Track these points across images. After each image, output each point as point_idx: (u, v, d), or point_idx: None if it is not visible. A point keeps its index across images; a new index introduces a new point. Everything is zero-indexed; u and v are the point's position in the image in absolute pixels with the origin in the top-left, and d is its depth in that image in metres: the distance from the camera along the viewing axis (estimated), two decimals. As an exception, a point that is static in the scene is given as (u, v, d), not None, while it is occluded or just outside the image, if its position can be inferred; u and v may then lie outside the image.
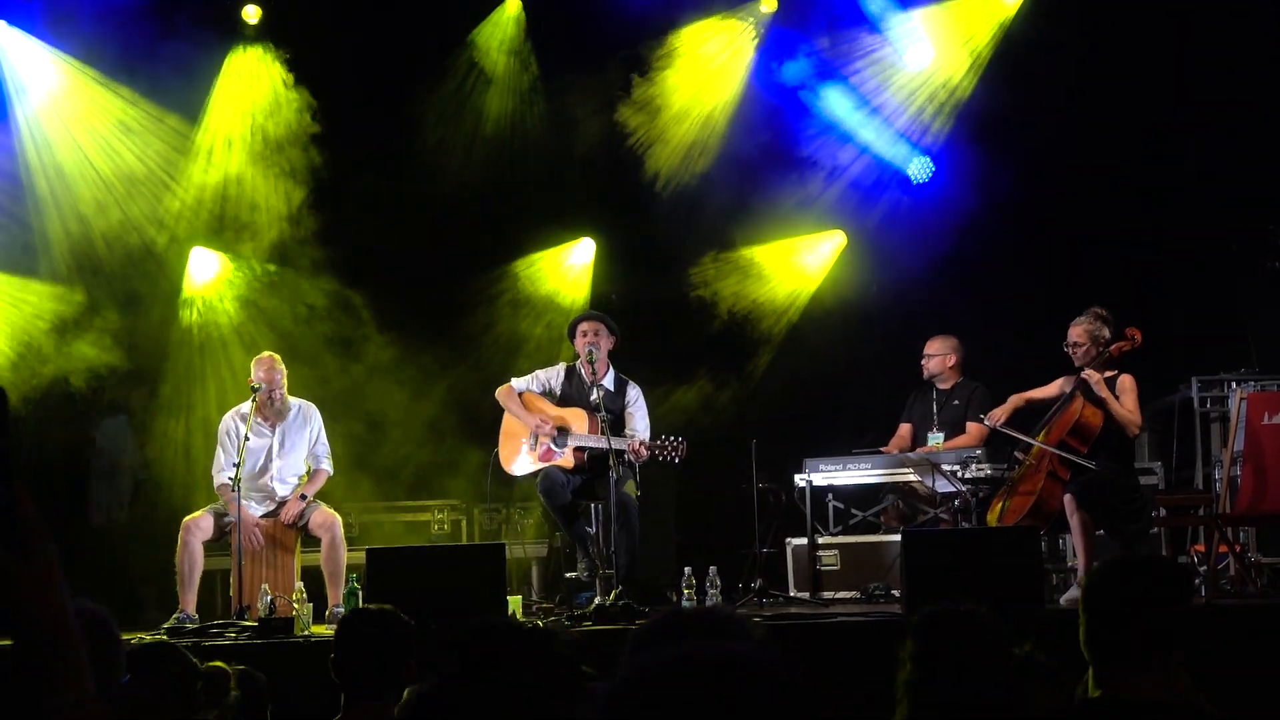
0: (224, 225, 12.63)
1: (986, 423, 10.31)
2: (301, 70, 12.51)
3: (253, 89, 12.55)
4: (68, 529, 11.71)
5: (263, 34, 12.50)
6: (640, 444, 10.01)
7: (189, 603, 9.75)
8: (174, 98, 12.34)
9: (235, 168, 12.54)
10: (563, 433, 10.31)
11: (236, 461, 9.89)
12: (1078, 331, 10.06)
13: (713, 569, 9.71)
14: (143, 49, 12.00)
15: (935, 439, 11.14)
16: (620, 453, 9.85)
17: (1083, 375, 9.94)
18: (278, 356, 10.39)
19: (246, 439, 10.02)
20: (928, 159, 13.11)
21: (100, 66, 12.17)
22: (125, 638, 7.95)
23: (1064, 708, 4.01)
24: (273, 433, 10.31)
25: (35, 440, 11.82)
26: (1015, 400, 10.31)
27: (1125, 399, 9.85)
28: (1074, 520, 9.59)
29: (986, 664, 3.90)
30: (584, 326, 10.53)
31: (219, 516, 9.99)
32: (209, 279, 12.66)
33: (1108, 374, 9.97)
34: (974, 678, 3.87)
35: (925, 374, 11.41)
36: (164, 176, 12.45)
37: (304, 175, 12.57)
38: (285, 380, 10.37)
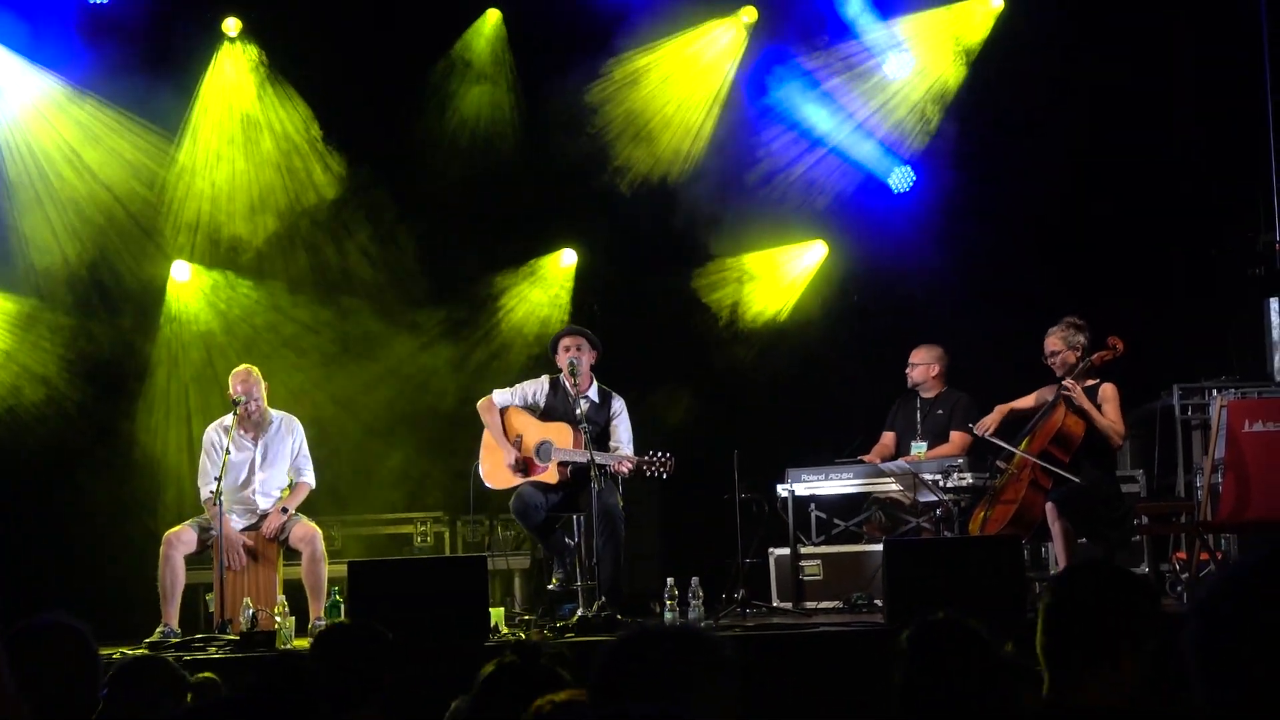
0: (203, 237, 12.61)
1: (975, 432, 10.31)
2: (283, 83, 12.52)
3: (234, 102, 12.54)
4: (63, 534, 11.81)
5: (244, 46, 12.48)
6: (625, 459, 10.02)
7: (171, 616, 9.73)
8: (154, 109, 12.33)
9: (216, 180, 12.52)
10: (545, 446, 10.31)
11: (218, 476, 9.87)
12: (1053, 341, 10.09)
13: (695, 580, 9.71)
14: (123, 60, 12.00)
15: (919, 448, 11.15)
16: (603, 466, 9.87)
17: (1063, 388, 9.95)
18: (255, 369, 10.38)
19: (228, 452, 10.00)
20: (909, 168, 13.12)
21: (77, 78, 12.16)
22: (107, 652, 7.95)
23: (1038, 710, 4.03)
24: (254, 445, 10.30)
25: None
26: (1001, 410, 10.31)
27: (1107, 408, 9.87)
28: (1055, 528, 9.62)
29: (979, 674, 3.91)
30: (565, 342, 10.53)
31: (201, 530, 9.96)
32: (191, 291, 12.63)
33: (1090, 382, 9.99)
34: (967, 687, 3.89)
35: (909, 383, 11.40)
36: (145, 189, 12.43)
37: (287, 187, 12.57)
38: (264, 392, 10.34)
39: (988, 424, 10.22)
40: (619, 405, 10.54)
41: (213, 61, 12.47)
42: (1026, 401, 10.28)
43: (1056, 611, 3.73)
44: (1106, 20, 12.41)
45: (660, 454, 10.07)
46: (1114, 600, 3.70)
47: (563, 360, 10.46)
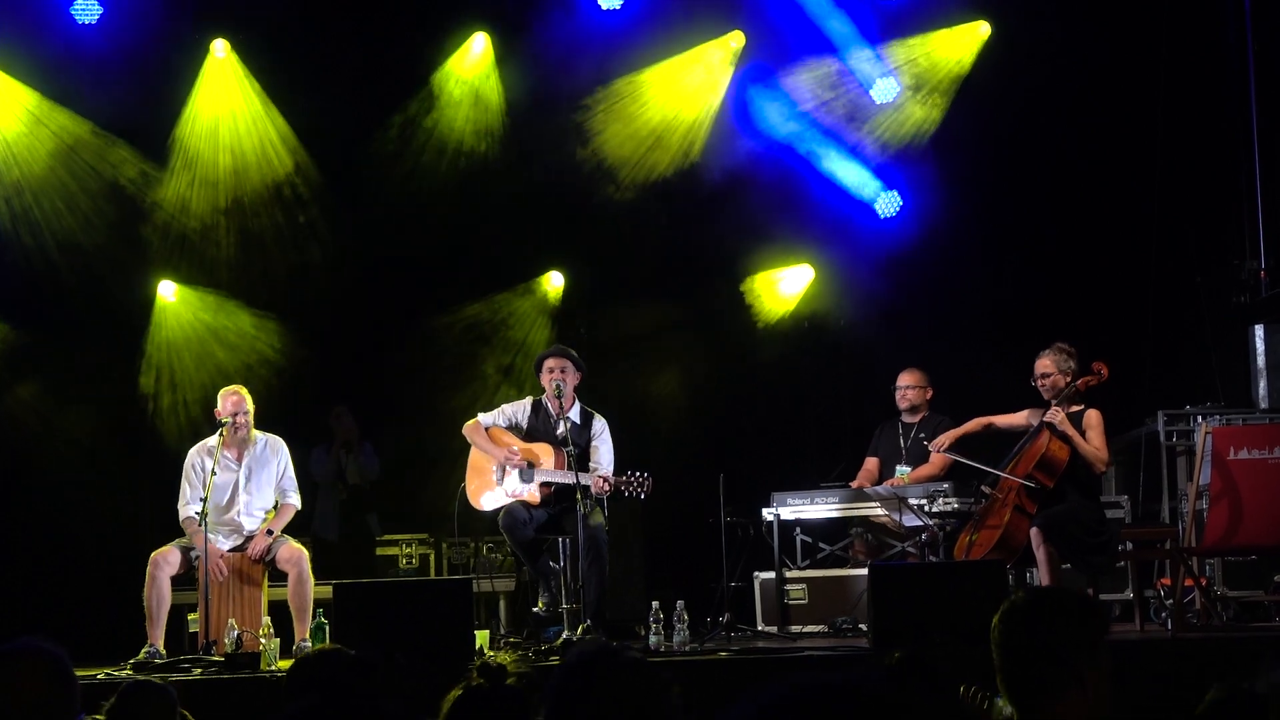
0: (189, 257, 12.62)
1: (930, 448, 10.36)
2: (269, 105, 12.54)
3: (221, 122, 12.55)
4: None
5: (232, 67, 12.49)
6: (603, 479, 10.00)
7: (157, 637, 9.69)
8: (142, 129, 12.36)
9: (202, 200, 12.54)
10: (529, 467, 10.30)
11: (203, 496, 9.84)
12: (1045, 363, 10.09)
13: (680, 603, 9.69)
14: (110, 80, 12.03)
15: (903, 471, 11.17)
16: (587, 487, 9.86)
17: (1047, 416, 9.96)
18: (244, 389, 10.35)
19: (213, 473, 9.97)
20: (895, 193, 13.15)
21: (65, 97, 12.18)
22: (91, 673, 7.94)
23: None
24: (239, 466, 10.26)
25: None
26: (974, 424, 10.31)
27: (1092, 434, 9.88)
28: (1040, 553, 9.62)
29: (932, 709, 3.91)
30: (550, 363, 10.51)
31: (186, 551, 9.93)
32: (177, 311, 12.64)
33: (1074, 408, 10.00)
34: None
35: (906, 405, 11.39)
36: (130, 209, 12.44)
37: (272, 209, 12.59)
38: (251, 413, 10.31)
39: (941, 441, 10.28)
40: (600, 426, 10.52)
41: (200, 82, 12.48)
42: (1008, 419, 10.28)
43: (1010, 647, 3.76)
44: (1092, 46, 12.46)
45: (638, 474, 10.06)
46: (1065, 626, 3.74)
47: (546, 381, 10.45)
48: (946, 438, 10.35)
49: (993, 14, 12.83)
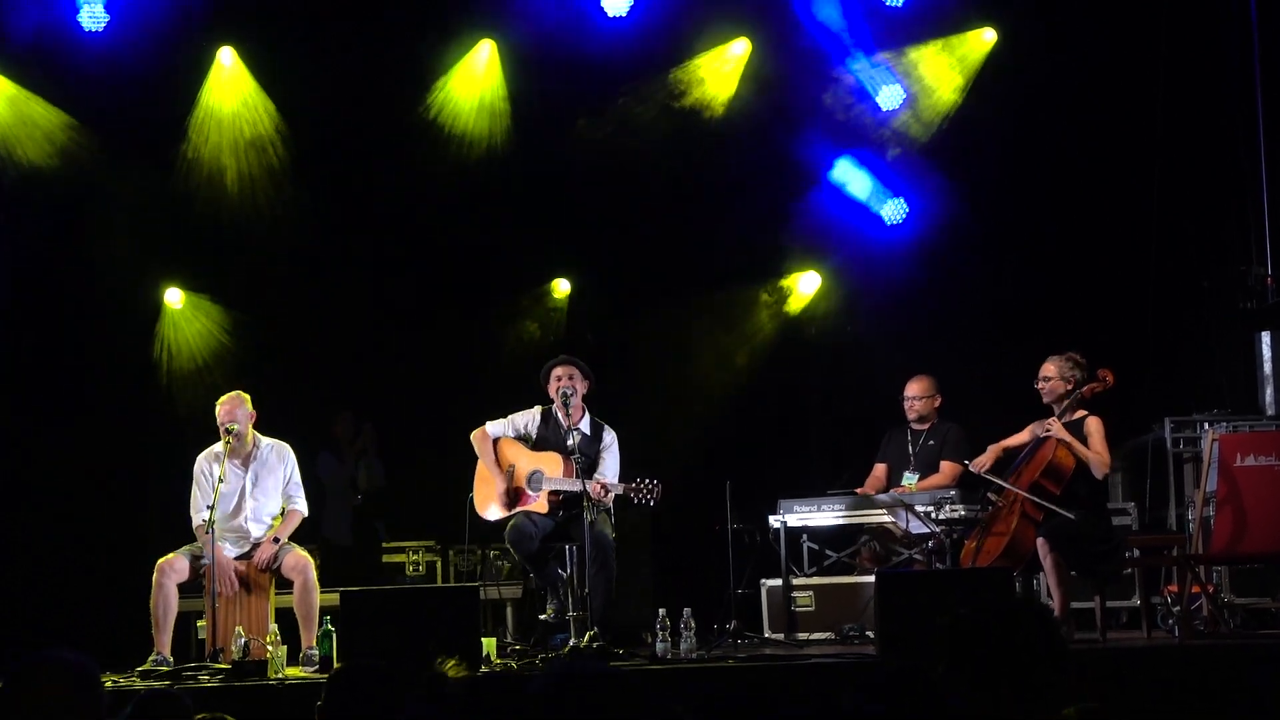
0: (196, 263, 12.63)
1: (971, 468, 10.30)
2: (275, 113, 12.54)
3: (226, 130, 12.55)
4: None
5: (238, 74, 12.50)
6: (600, 485, 9.97)
7: (164, 644, 9.68)
8: (148, 137, 12.37)
9: (207, 207, 12.55)
10: (537, 476, 10.31)
11: (210, 504, 9.82)
12: (1049, 367, 10.08)
13: (687, 610, 9.70)
14: (117, 87, 12.04)
15: (910, 479, 11.16)
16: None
17: (1046, 426, 9.96)
18: (244, 394, 10.30)
19: (220, 480, 9.96)
20: (902, 200, 13.15)
21: (71, 105, 12.21)
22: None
23: None
24: (245, 472, 10.24)
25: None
26: (995, 450, 10.29)
27: (1093, 440, 9.87)
28: (1047, 562, 9.63)
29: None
30: (558, 371, 10.50)
31: (194, 559, 9.92)
32: (183, 318, 12.66)
33: (1077, 415, 10.00)
34: None
35: (913, 415, 11.36)
36: (137, 216, 12.45)
37: (279, 215, 12.59)
38: (249, 417, 10.24)
39: (983, 462, 10.23)
40: (610, 438, 10.52)
41: (206, 90, 12.48)
42: (1017, 439, 10.27)
43: (963, 655, 3.76)
44: (1092, 43, 12.45)
45: (649, 480, 10.05)
46: (1016, 638, 3.74)
47: (555, 389, 10.45)
48: (988, 460, 10.27)
49: (993, 12, 12.82)
